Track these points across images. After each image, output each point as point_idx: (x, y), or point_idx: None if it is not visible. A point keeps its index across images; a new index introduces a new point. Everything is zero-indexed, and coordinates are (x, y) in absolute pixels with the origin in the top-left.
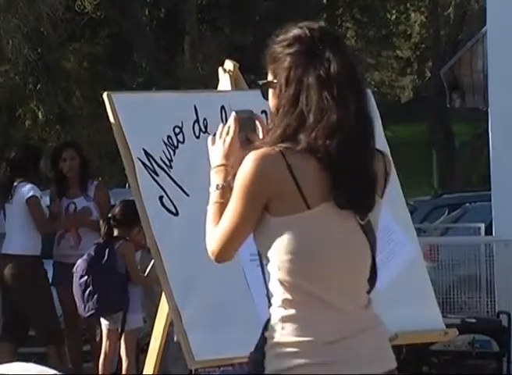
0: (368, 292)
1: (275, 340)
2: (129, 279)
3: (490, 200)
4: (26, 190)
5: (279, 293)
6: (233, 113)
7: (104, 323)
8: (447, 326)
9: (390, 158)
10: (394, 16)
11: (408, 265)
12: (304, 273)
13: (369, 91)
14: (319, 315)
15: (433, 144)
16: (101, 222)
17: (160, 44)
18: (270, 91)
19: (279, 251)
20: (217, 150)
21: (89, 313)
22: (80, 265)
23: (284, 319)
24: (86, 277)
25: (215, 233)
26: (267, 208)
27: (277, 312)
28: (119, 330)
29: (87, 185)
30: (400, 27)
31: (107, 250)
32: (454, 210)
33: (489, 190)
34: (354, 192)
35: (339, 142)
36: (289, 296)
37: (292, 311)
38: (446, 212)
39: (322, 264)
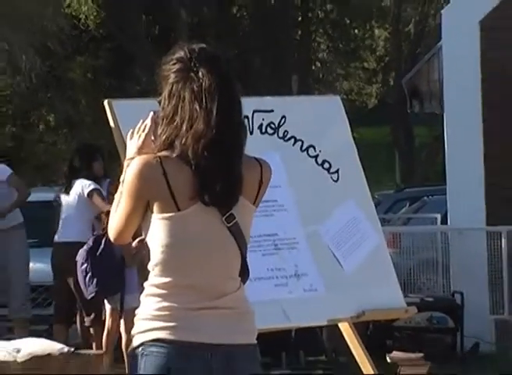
0: (244, 280)
1: (142, 318)
2: (125, 264)
3: (445, 194)
4: (87, 185)
5: (150, 276)
6: (151, 113)
7: (106, 303)
8: (408, 304)
9: (269, 169)
10: (361, 32)
11: (373, 251)
12: (170, 263)
13: (338, 98)
14: (184, 296)
15: (396, 144)
16: (103, 215)
17: (156, 57)
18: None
19: (153, 243)
20: (133, 144)
21: (91, 296)
22: (80, 254)
23: (152, 298)
24: (86, 265)
25: (111, 222)
26: (149, 206)
27: (146, 291)
28: (119, 309)
29: (101, 180)
30: (367, 42)
31: (104, 239)
32: (414, 202)
33: (445, 185)
34: (216, 191)
35: (204, 147)
36: (156, 281)
37: (158, 287)
38: (407, 205)
39: (183, 257)
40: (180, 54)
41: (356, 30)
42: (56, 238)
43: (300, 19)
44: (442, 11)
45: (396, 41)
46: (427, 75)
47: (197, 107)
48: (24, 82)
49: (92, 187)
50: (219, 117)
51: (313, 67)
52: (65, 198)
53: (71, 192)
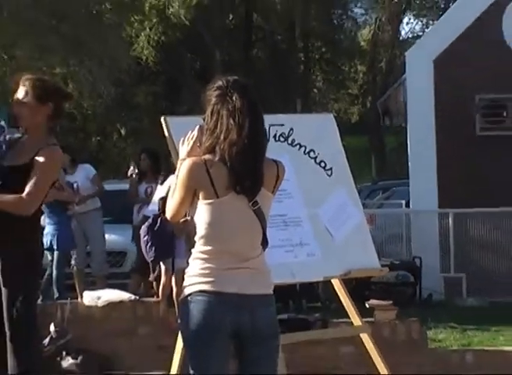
0: (264, 248)
1: (189, 273)
2: (175, 236)
3: (408, 185)
4: None
5: (195, 247)
6: (197, 126)
7: (161, 264)
8: (381, 266)
9: (283, 168)
10: (347, 68)
11: (357, 227)
12: (210, 236)
13: (331, 116)
14: (221, 259)
15: (372, 149)
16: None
17: (198, 86)
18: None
19: (199, 221)
20: (184, 149)
21: (150, 259)
22: (143, 229)
23: (197, 261)
24: (147, 237)
25: (168, 205)
26: (196, 195)
27: (193, 256)
28: (171, 269)
29: (157, 176)
30: (351, 75)
31: (160, 218)
32: (385, 192)
33: (408, 179)
34: (245, 184)
35: (236, 152)
36: (200, 249)
37: (202, 253)
38: (381, 193)
39: (219, 231)
40: (219, 83)
41: (343, 67)
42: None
43: (302, 58)
44: (406, 52)
45: (372, 74)
46: (395, 99)
47: (232, 122)
48: (103, 104)
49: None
50: (248, 130)
51: (312, 93)
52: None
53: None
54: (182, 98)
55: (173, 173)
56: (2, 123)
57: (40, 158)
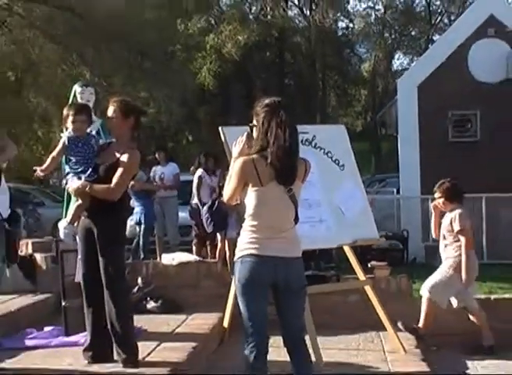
0: (296, 223)
1: (240, 242)
2: (228, 214)
3: (398, 178)
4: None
5: (245, 222)
6: (245, 133)
7: (218, 235)
8: (379, 236)
9: (310, 164)
10: (353, 91)
11: (362, 208)
12: (257, 214)
13: (343, 126)
14: (267, 232)
15: (372, 152)
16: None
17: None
18: (254, 128)
19: (248, 203)
20: (236, 150)
21: (209, 230)
22: (204, 208)
23: (247, 233)
24: (207, 214)
25: (225, 191)
26: (246, 184)
27: (243, 228)
28: (225, 239)
29: (214, 171)
30: (356, 96)
31: (217, 200)
32: (381, 182)
33: (398, 173)
34: (284, 176)
35: (281, 153)
36: (250, 223)
37: (251, 228)
38: (378, 184)
39: (263, 210)
40: (268, 102)
41: (350, 91)
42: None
43: (320, 85)
44: (397, 80)
45: (372, 96)
46: (389, 114)
47: (280, 131)
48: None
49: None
50: (289, 137)
51: (327, 110)
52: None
53: None
54: (232, 114)
55: (227, 168)
56: (94, 132)
57: (124, 158)
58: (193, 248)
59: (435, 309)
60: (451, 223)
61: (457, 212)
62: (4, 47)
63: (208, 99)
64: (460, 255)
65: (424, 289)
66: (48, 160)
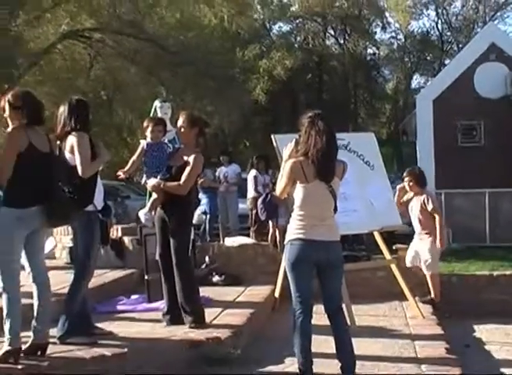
0: (335, 213)
1: (290, 228)
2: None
3: None
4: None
5: (293, 212)
6: (294, 139)
7: (270, 222)
8: (402, 224)
9: (346, 165)
10: (379, 105)
11: (387, 200)
12: (303, 205)
13: (373, 134)
14: (311, 220)
15: (395, 155)
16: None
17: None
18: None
19: (296, 196)
20: (286, 153)
21: (263, 219)
22: (259, 201)
23: (296, 221)
24: (262, 205)
25: (277, 187)
26: (295, 181)
27: (292, 217)
28: (276, 225)
29: (267, 170)
30: (382, 110)
31: (270, 194)
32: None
33: None
34: (325, 175)
35: (320, 156)
36: (297, 213)
37: (299, 217)
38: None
39: (311, 202)
40: (310, 114)
41: (377, 105)
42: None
43: (352, 101)
44: (416, 96)
45: (395, 109)
46: (409, 124)
47: (318, 138)
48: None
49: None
50: (326, 143)
51: (358, 121)
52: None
53: None
54: (280, 124)
55: (278, 169)
56: (166, 140)
57: (190, 160)
58: (251, 233)
59: (439, 280)
60: (424, 204)
61: (426, 195)
62: (98, 71)
63: (261, 112)
64: (434, 228)
65: (425, 268)
66: (129, 163)
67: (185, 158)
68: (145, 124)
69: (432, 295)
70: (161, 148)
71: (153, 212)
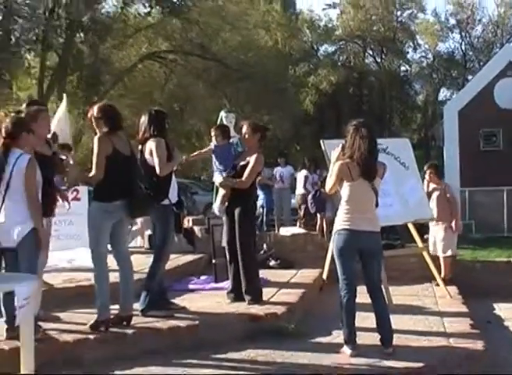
0: (376, 207)
1: (337, 220)
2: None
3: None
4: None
5: (341, 206)
6: (340, 144)
7: (318, 214)
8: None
9: (386, 166)
10: (411, 115)
11: (420, 196)
12: (349, 201)
13: (407, 140)
14: (356, 213)
15: (425, 158)
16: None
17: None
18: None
19: (343, 193)
20: (333, 156)
21: (312, 212)
22: (309, 196)
23: (342, 214)
24: (312, 200)
25: (326, 184)
26: (342, 180)
27: (339, 211)
28: (324, 218)
29: (316, 170)
30: (413, 119)
31: (319, 190)
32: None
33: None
34: (368, 175)
35: (364, 158)
36: (344, 207)
37: (345, 210)
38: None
39: (356, 198)
40: (354, 122)
41: (409, 115)
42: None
43: (388, 111)
44: (443, 107)
45: (425, 119)
46: (437, 131)
47: (362, 143)
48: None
49: None
50: (368, 147)
51: (392, 128)
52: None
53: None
54: (326, 131)
55: (325, 169)
56: (233, 142)
57: (252, 160)
58: (299, 224)
59: (452, 262)
60: (445, 192)
61: (446, 184)
62: (171, 87)
63: (309, 121)
64: (449, 216)
65: (440, 251)
66: (196, 152)
67: (247, 158)
68: (213, 132)
69: (443, 274)
70: (228, 150)
71: (224, 205)
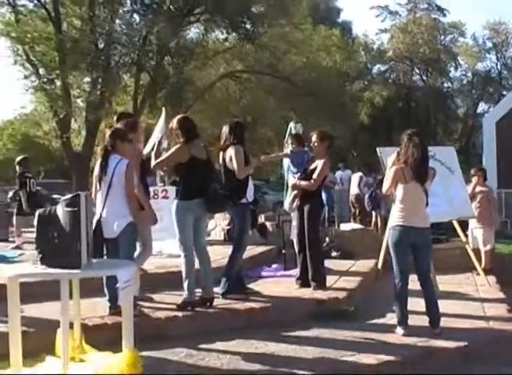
0: (426, 206)
1: (392, 217)
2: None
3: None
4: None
5: (395, 204)
6: (396, 152)
7: (373, 212)
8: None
9: (435, 171)
10: (453, 127)
11: (464, 198)
12: (403, 200)
13: (453, 148)
14: (409, 212)
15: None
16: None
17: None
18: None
19: (398, 194)
20: (389, 161)
21: (369, 209)
22: (366, 196)
23: (397, 212)
24: (368, 199)
25: (384, 185)
26: (397, 182)
27: (394, 208)
28: (379, 215)
29: (371, 173)
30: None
31: (375, 191)
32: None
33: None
34: (421, 178)
35: (416, 163)
36: (398, 206)
37: (399, 209)
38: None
39: (409, 198)
40: (409, 132)
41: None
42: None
43: (434, 122)
44: (482, 119)
45: (466, 129)
46: (477, 140)
47: (415, 150)
48: (348, 141)
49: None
50: (420, 154)
51: (437, 138)
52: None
53: None
54: (380, 140)
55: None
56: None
57: (320, 165)
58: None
59: (491, 255)
60: (487, 195)
61: (489, 187)
62: (245, 101)
63: (364, 131)
64: (490, 214)
65: (481, 245)
66: (273, 154)
67: (316, 163)
68: (289, 140)
69: (483, 265)
70: (302, 155)
71: (294, 203)
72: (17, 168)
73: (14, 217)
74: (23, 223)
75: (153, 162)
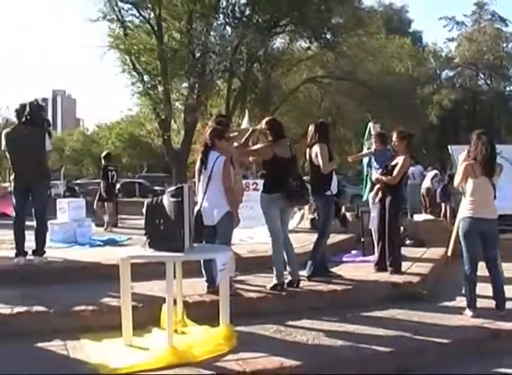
0: (494, 199)
1: (462, 209)
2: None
3: None
4: None
5: (465, 197)
6: (466, 150)
7: (443, 204)
8: None
9: (503, 167)
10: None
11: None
12: (473, 194)
13: None
14: (478, 204)
15: None
16: None
17: (455, 134)
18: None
19: (468, 188)
20: (461, 158)
21: (438, 201)
22: (438, 190)
23: (467, 204)
24: (440, 193)
25: (455, 179)
26: (467, 177)
27: (464, 201)
28: (448, 207)
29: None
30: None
31: (445, 187)
32: None
33: None
34: (488, 172)
35: (485, 160)
36: (469, 199)
37: (470, 201)
38: None
39: (478, 192)
40: (478, 131)
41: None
42: None
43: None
44: None
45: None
46: None
47: (484, 147)
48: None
49: None
50: (489, 151)
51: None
52: None
53: None
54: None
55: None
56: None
57: (400, 162)
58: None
59: None
60: None
61: None
62: (326, 104)
63: (434, 130)
64: None
65: None
66: (359, 154)
67: (397, 160)
68: (373, 138)
69: None
70: (385, 153)
71: (378, 197)
72: (102, 161)
73: (105, 204)
74: (101, 208)
75: (238, 147)
